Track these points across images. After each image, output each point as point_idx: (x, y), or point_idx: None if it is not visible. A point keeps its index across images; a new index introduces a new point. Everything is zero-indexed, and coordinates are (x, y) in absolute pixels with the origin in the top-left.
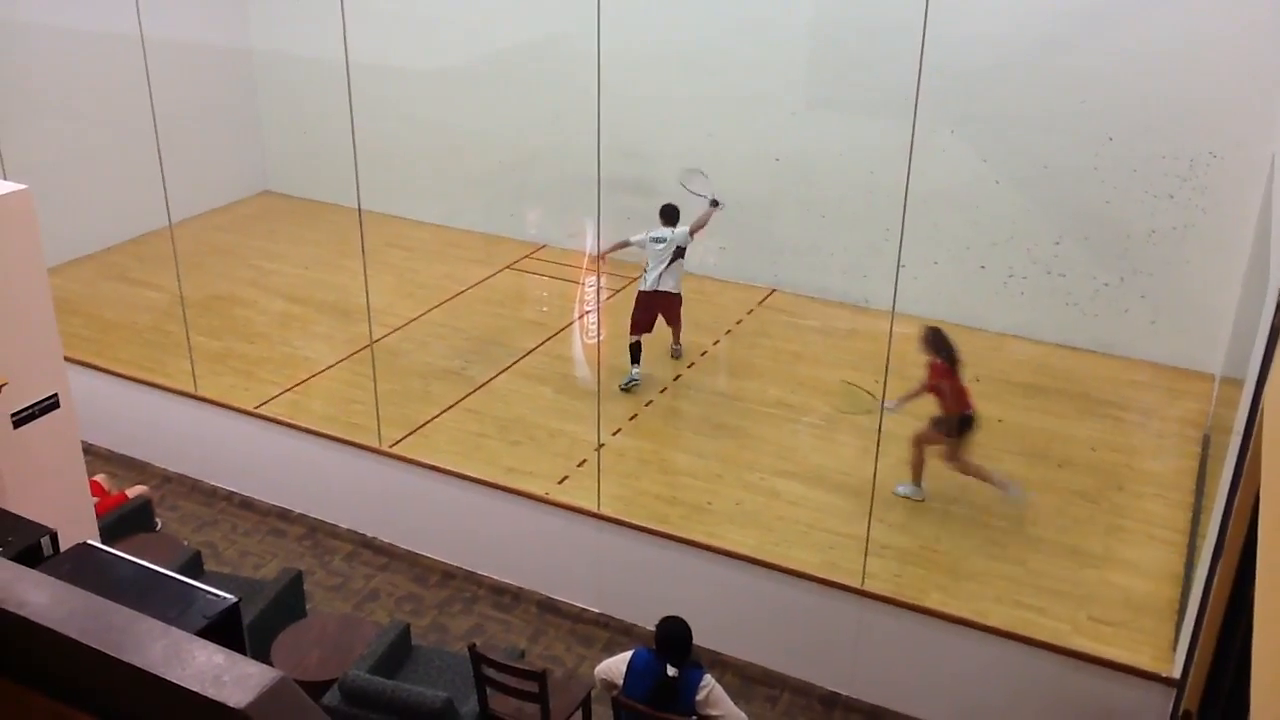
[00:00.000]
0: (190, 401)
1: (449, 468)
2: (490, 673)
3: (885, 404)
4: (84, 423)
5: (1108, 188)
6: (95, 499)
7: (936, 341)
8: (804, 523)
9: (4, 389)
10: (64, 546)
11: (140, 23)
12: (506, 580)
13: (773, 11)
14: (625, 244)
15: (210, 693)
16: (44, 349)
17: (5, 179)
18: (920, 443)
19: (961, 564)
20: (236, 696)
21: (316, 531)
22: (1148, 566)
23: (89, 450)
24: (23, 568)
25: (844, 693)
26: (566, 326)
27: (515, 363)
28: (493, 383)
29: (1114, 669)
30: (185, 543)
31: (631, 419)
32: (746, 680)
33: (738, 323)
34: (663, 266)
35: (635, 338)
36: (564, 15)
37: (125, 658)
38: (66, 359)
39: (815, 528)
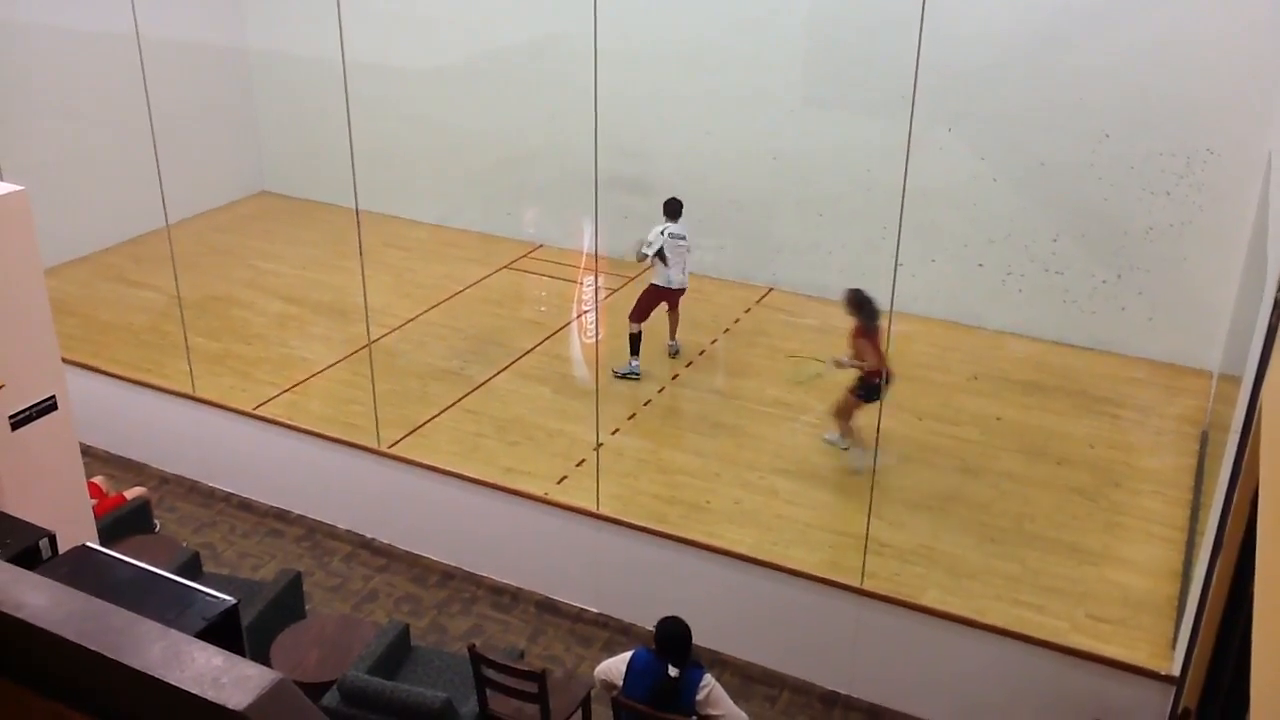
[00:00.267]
0: (188, 403)
1: (447, 468)
2: (490, 673)
3: (830, 361)
4: (81, 424)
5: (1105, 185)
6: (93, 501)
7: (853, 302)
8: (802, 521)
9: (2, 391)
10: (62, 548)
11: (137, 22)
12: (505, 580)
13: (770, 10)
14: (659, 254)
15: (209, 694)
16: (41, 350)
17: (1, 179)
18: (843, 413)
19: (960, 562)
20: (236, 698)
21: (315, 532)
22: (1146, 564)
23: (87, 452)
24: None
25: (843, 691)
26: (565, 326)
27: (513, 362)
28: (491, 383)
29: (1112, 666)
30: (184, 544)
31: (630, 418)
32: (746, 679)
33: (736, 321)
34: (684, 263)
35: (638, 327)
36: (561, 14)
37: (124, 660)
38: (64, 360)
39: (814, 526)
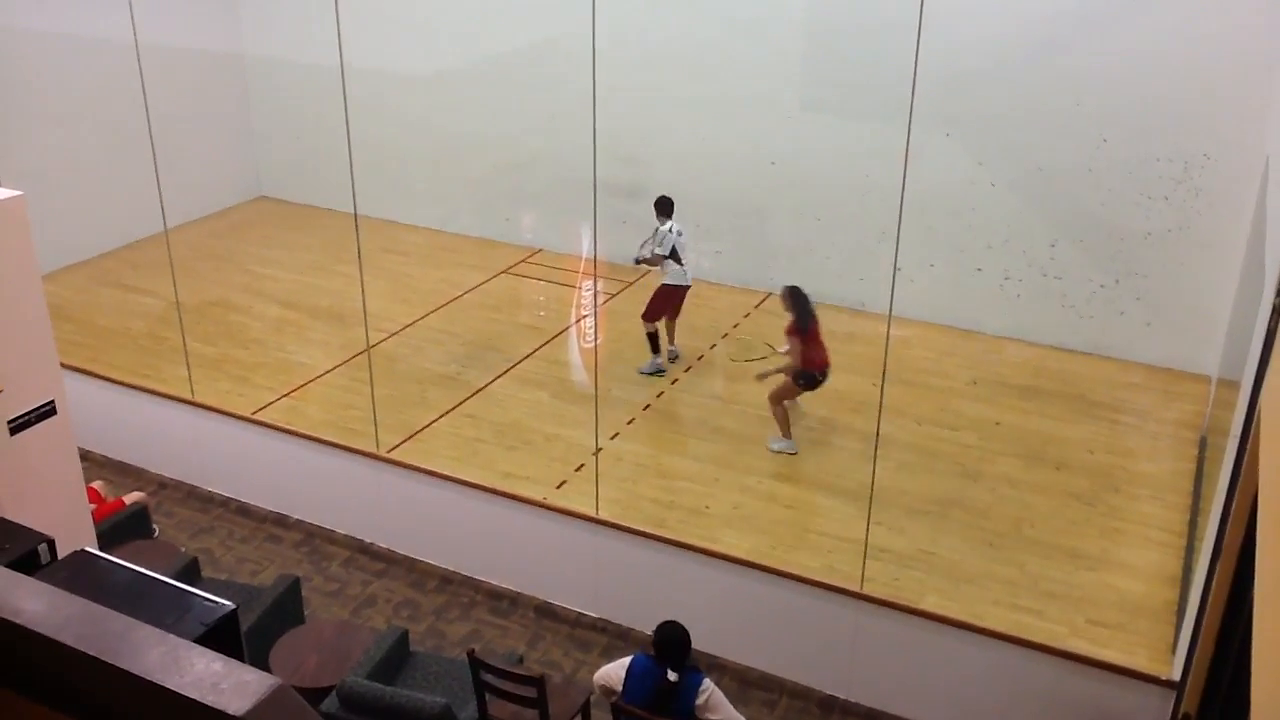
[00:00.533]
0: (186, 408)
1: (446, 473)
2: (488, 678)
3: (778, 349)
4: (80, 430)
5: (1103, 190)
6: (92, 506)
7: (788, 299)
8: (801, 526)
9: (1, 396)
10: (61, 554)
11: (134, 29)
12: (504, 585)
13: (767, 14)
14: (673, 253)
15: (208, 700)
16: (40, 356)
17: None
18: (776, 397)
19: (959, 567)
20: (235, 704)
21: (313, 537)
22: (1145, 569)
23: (85, 457)
24: (20, 575)
25: (842, 696)
26: (563, 331)
27: (512, 367)
28: (489, 388)
29: (1111, 671)
30: (182, 549)
31: (629, 423)
32: (745, 684)
33: (734, 326)
34: (687, 259)
35: (654, 326)
36: (559, 19)
37: (122, 665)
38: (62, 366)
39: (812, 531)
